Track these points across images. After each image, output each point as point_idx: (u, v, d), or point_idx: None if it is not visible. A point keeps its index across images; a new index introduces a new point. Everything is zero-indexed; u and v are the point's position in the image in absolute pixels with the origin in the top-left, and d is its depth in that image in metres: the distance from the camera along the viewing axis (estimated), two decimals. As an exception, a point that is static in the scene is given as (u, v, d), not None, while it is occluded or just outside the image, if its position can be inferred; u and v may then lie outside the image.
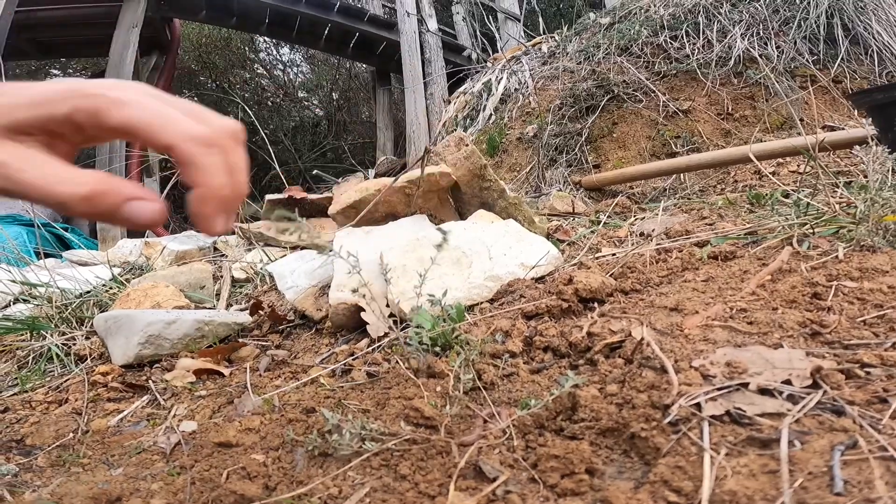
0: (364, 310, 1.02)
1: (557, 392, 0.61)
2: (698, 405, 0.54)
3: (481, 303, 1.03)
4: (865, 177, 1.09)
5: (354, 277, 1.08)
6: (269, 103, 9.50)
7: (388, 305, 1.05)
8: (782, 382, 0.54)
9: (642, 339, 0.67)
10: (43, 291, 1.32)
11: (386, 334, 0.99)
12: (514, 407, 0.66)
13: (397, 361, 0.87)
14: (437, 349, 0.82)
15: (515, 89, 3.71)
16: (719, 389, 0.55)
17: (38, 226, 1.65)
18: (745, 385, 0.55)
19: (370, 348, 0.97)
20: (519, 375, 0.73)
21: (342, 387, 0.84)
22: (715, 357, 0.61)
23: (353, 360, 0.93)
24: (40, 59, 7.24)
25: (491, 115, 3.68)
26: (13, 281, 1.36)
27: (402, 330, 0.98)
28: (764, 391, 0.54)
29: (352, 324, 1.07)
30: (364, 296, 1.05)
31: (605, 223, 1.60)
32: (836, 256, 0.83)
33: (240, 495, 0.58)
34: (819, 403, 0.51)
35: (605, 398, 0.60)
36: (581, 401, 0.60)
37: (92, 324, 1.19)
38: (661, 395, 0.56)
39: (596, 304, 0.89)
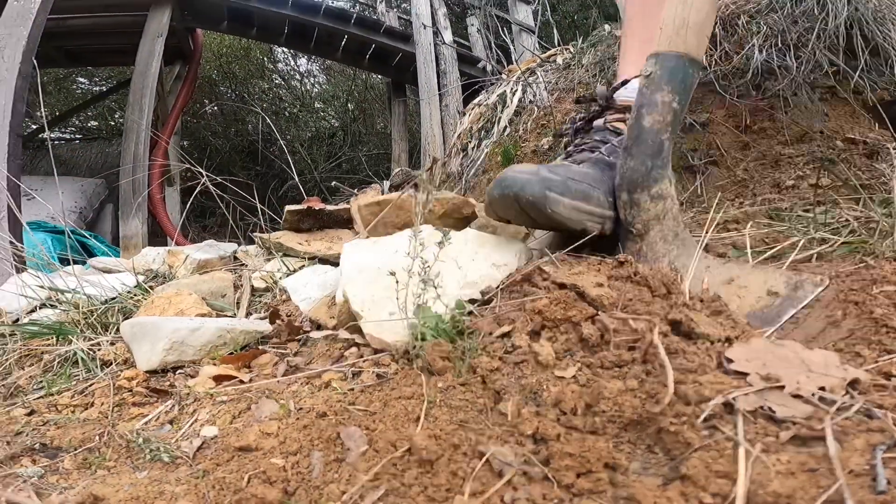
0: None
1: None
2: (730, 402, 0.52)
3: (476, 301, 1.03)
4: (889, 192, 1.08)
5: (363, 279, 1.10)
6: (287, 113, 9.65)
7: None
8: (817, 389, 0.53)
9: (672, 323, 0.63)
10: (69, 297, 1.36)
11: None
12: (523, 393, 0.65)
13: (405, 363, 0.87)
14: (442, 345, 0.81)
15: (530, 101, 3.73)
16: (752, 387, 0.54)
17: (68, 234, 1.70)
18: (780, 388, 0.54)
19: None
20: (528, 363, 0.71)
21: (352, 389, 0.84)
22: (750, 352, 0.60)
23: (364, 362, 0.94)
24: (68, 67, 7.46)
25: (506, 127, 3.69)
26: (41, 286, 1.40)
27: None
28: (797, 395, 0.53)
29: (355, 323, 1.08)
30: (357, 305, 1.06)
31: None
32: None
33: (260, 499, 0.59)
34: (849, 406, 0.50)
35: (629, 392, 0.58)
36: (605, 393, 0.58)
37: (117, 329, 1.22)
38: (692, 389, 0.55)
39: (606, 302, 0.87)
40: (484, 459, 0.55)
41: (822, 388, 0.53)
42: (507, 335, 0.80)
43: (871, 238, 0.89)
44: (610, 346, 0.70)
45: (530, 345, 0.74)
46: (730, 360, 0.60)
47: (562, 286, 0.83)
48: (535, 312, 0.80)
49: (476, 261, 1.10)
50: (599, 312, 0.76)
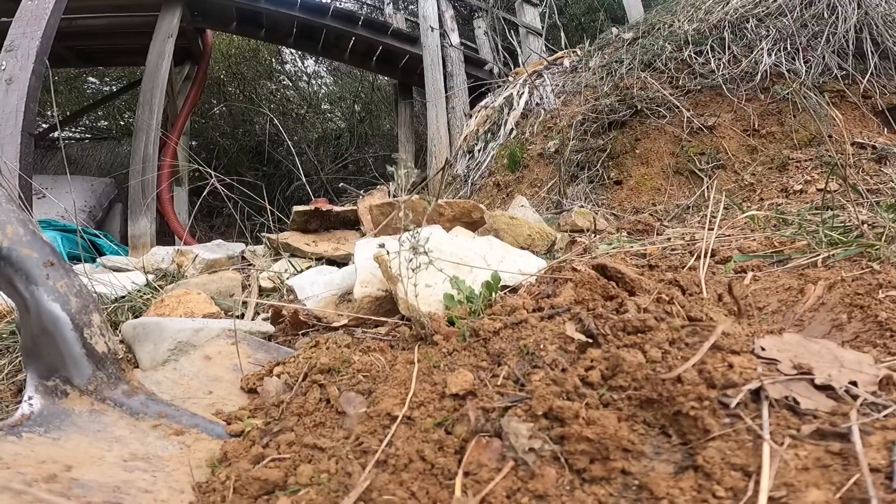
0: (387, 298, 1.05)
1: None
2: (757, 391, 0.50)
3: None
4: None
5: (378, 274, 1.12)
6: (294, 114, 9.71)
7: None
8: (849, 383, 0.52)
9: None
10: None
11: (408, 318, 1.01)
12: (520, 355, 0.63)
13: (410, 326, 0.87)
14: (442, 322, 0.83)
15: (537, 104, 3.74)
16: (782, 375, 0.53)
17: (80, 233, 1.72)
18: (810, 379, 0.52)
19: (397, 320, 0.98)
20: (529, 322, 0.71)
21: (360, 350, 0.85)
22: (782, 344, 0.58)
23: (373, 340, 0.95)
24: (79, 67, 7.53)
25: (512, 129, 3.70)
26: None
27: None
28: (824, 386, 0.52)
29: (376, 316, 1.10)
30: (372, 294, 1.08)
31: (624, 241, 1.60)
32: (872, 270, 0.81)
33: (263, 480, 0.59)
34: (870, 404, 0.49)
35: (650, 363, 0.55)
36: (625, 366, 0.54)
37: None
38: (720, 372, 0.52)
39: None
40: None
41: (854, 383, 0.52)
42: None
43: (878, 243, 0.89)
44: (630, 310, 0.66)
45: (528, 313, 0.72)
46: (761, 349, 0.58)
47: (600, 268, 0.81)
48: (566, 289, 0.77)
49: (504, 263, 1.14)
50: (635, 293, 0.73)
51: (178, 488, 0.64)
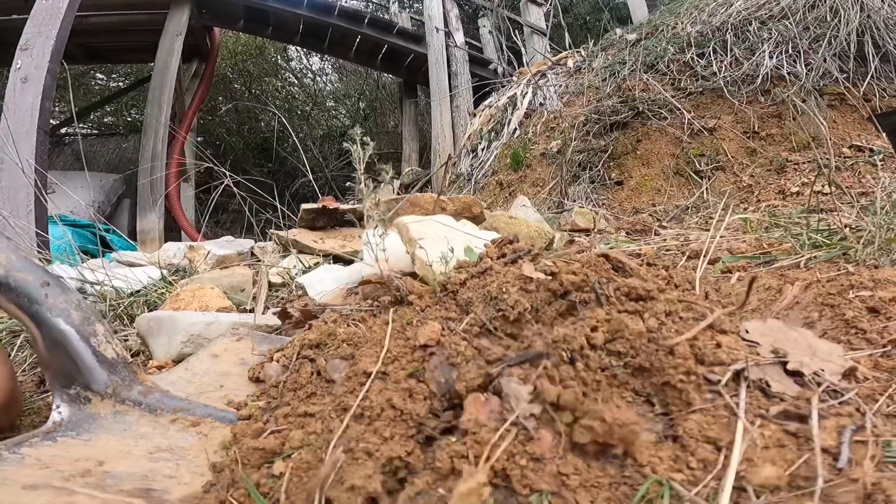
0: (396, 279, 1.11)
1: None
2: (738, 371, 0.54)
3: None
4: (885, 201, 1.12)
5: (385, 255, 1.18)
6: (299, 111, 9.76)
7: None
8: (817, 370, 0.56)
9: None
10: (98, 289, 1.43)
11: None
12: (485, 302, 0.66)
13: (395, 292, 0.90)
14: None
15: (540, 104, 3.78)
16: (763, 358, 0.57)
17: (99, 228, 1.78)
18: (784, 363, 0.56)
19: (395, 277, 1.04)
20: (493, 269, 0.74)
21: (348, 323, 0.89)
22: (765, 328, 0.63)
23: (357, 312, 0.99)
24: (88, 64, 7.61)
25: (515, 129, 3.74)
26: (71, 278, 1.48)
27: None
28: (795, 372, 0.56)
29: (380, 294, 1.15)
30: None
31: (621, 241, 1.64)
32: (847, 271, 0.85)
33: (262, 450, 0.64)
34: (832, 391, 0.54)
35: (649, 332, 0.57)
36: (626, 332, 0.56)
37: (144, 321, 1.29)
38: (710, 350, 0.56)
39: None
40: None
41: (822, 371, 0.56)
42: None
43: (856, 245, 0.94)
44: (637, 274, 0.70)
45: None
46: (745, 332, 0.63)
47: (603, 256, 0.84)
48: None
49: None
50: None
51: (198, 472, 0.70)
